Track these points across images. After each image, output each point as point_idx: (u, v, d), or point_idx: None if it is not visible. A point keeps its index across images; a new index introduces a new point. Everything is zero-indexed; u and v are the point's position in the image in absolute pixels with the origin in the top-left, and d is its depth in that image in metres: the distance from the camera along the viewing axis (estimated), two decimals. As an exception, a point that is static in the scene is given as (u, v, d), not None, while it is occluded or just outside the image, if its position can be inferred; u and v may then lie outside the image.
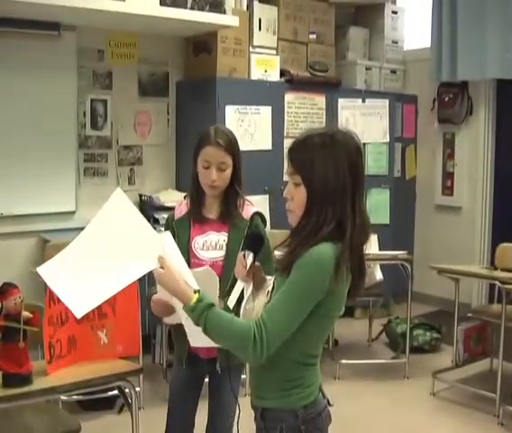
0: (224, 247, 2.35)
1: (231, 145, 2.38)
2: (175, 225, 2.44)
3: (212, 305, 1.66)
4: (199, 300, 1.66)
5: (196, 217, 2.42)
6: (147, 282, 2.00)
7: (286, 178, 1.78)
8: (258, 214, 2.45)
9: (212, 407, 2.48)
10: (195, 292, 1.68)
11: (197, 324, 1.66)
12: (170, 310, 1.93)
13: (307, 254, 1.64)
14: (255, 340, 1.60)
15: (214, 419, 2.47)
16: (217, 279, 1.96)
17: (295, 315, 1.64)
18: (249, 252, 1.87)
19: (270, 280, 1.84)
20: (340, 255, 1.65)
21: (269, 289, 1.79)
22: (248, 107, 5.02)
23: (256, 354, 1.61)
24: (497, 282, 4.03)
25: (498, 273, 4.09)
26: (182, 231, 2.41)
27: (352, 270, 1.71)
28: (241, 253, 1.90)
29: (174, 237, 2.39)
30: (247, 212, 2.42)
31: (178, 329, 2.44)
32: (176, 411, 2.50)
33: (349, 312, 5.43)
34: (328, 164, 1.68)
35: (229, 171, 2.37)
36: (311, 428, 1.74)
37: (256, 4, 5.29)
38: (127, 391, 2.51)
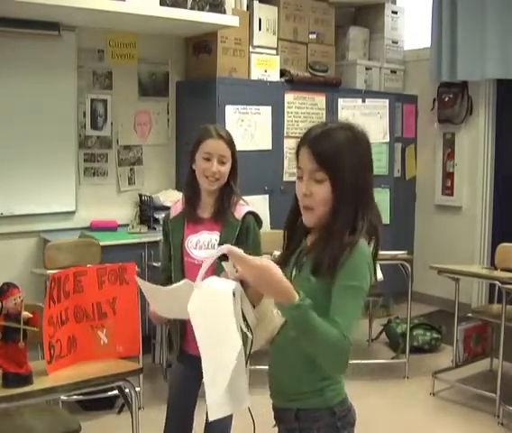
0: (216, 247, 2.35)
1: (231, 140, 2.43)
2: (170, 223, 2.48)
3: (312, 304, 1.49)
4: (303, 299, 1.47)
5: (190, 217, 2.44)
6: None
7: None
8: (251, 213, 2.45)
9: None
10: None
11: (296, 324, 1.49)
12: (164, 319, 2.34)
13: (357, 253, 1.59)
14: (346, 340, 1.48)
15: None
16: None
17: (359, 312, 1.59)
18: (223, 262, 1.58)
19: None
20: (374, 251, 1.65)
21: None
22: (248, 107, 5.01)
23: (348, 356, 1.50)
24: (497, 282, 4.03)
25: (498, 273, 4.09)
26: (176, 230, 2.45)
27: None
28: (222, 273, 1.60)
29: (168, 236, 2.48)
30: (240, 211, 2.42)
31: (174, 327, 2.47)
32: (173, 407, 2.53)
33: (349, 312, 5.42)
34: (355, 160, 1.65)
35: (228, 166, 2.40)
36: (345, 425, 1.72)
37: (256, 4, 5.28)
38: (127, 391, 2.51)
